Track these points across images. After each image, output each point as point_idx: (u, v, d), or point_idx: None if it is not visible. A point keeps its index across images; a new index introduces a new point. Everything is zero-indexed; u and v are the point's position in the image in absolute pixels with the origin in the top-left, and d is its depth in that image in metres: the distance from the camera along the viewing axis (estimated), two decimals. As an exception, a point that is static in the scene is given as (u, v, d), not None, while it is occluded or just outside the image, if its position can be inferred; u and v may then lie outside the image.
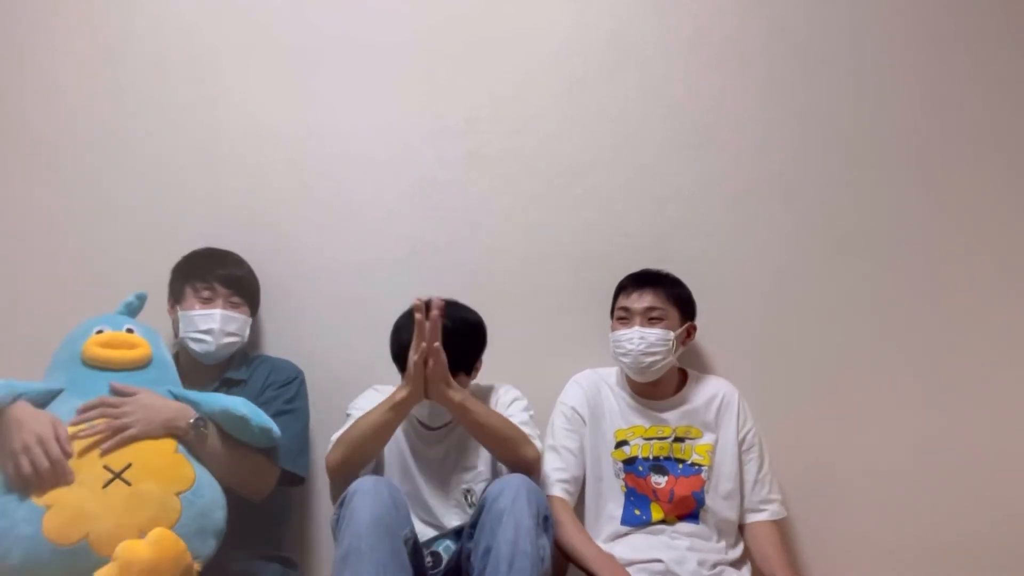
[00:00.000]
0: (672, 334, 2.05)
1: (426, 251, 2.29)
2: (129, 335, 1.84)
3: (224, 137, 2.32)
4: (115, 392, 1.73)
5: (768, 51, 2.34)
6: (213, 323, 2.02)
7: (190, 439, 1.73)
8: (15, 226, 2.30)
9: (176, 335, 2.07)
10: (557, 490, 2.01)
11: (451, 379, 1.83)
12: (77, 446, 1.63)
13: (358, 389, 2.12)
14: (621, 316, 2.10)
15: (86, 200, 2.31)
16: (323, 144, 2.32)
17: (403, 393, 1.83)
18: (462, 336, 1.93)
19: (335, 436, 1.93)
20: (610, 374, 2.17)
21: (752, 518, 2.08)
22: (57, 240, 2.30)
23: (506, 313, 2.20)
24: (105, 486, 1.61)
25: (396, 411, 1.84)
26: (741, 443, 2.09)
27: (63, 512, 1.57)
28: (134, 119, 2.32)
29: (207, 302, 2.04)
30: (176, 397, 1.81)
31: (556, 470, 2.03)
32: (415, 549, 1.80)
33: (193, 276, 2.07)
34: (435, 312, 1.79)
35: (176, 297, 2.09)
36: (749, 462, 2.09)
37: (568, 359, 2.27)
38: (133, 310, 1.95)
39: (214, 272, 2.07)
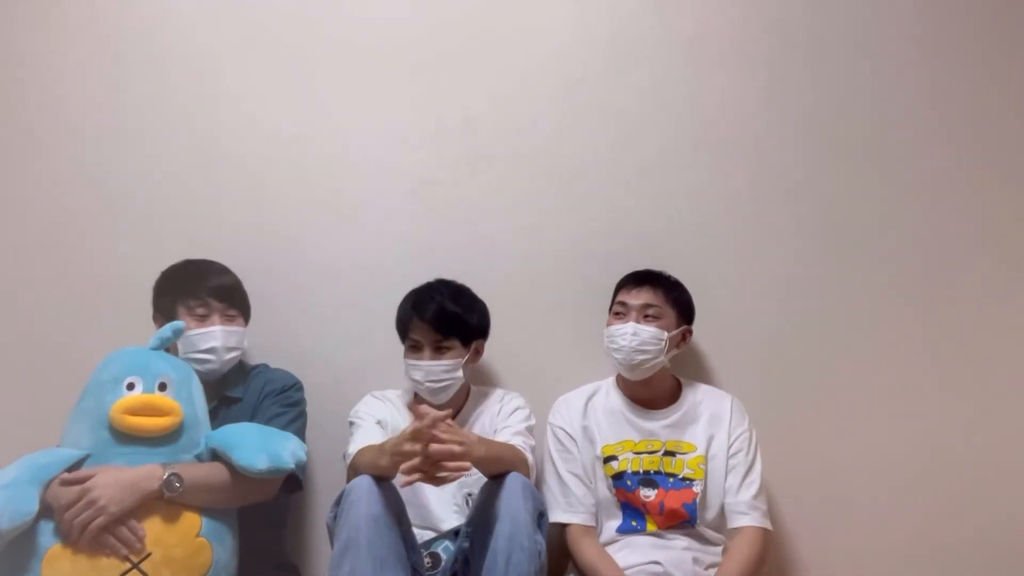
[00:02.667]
0: (666, 334, 2.04)
1: (425, 251, 2.29)
2: (160, 400, 1.75)
3: (224, 137, 2.31)
4: (68, 482, 1.66)
5: (768, 51, 2.33)
6: (214, 341, 1.97)
7: (171, 496, 1.69)
8: (15, 226, 2.30)
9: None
10: (572, 517, 2.00)
11: (464, 443, 1.72)
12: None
13: (358, 389, 2.13)
14: (618, 311, 2.09)
15: (85, 200, 2.30)
16: (322, 144, 2.31)
17: (386, 463, 1.73)
18: (465, 305, 2.03)
19: (349, 451, 1.91)
20: (600, 387, 2.15)
21: (737, 521, 1.99)
22: (56, 239, 2.29)
23: (506, 313, 2.20)
24: None
25: (382, 472, 1.77)
26: (729, 448, 2.04)
27: None
28: (134, 119, 2.31)
29: (203, 319, 1.99)
30: (213, 450, 1.78)
31: (565, 496, 2.02)
32: (412, 547, 1.80)
33: (184, 293, 2.01)
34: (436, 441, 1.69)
35: (165, 314, 2.01)
36: (736, 466, 2.03)
37: (568, 359, 2.27)
38: (167, 343, 1.86)
39: (204, 286, 2.01)
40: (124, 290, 2.14)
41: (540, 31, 2.34)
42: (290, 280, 2.28)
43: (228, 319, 2.02)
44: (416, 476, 1.66)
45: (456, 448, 1.67)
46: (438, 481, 1.70)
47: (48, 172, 2.32)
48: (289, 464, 1.80)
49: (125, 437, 1.73)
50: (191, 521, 1.71)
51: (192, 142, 2.31)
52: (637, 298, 2.07)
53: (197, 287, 2.01)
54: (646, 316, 2.05)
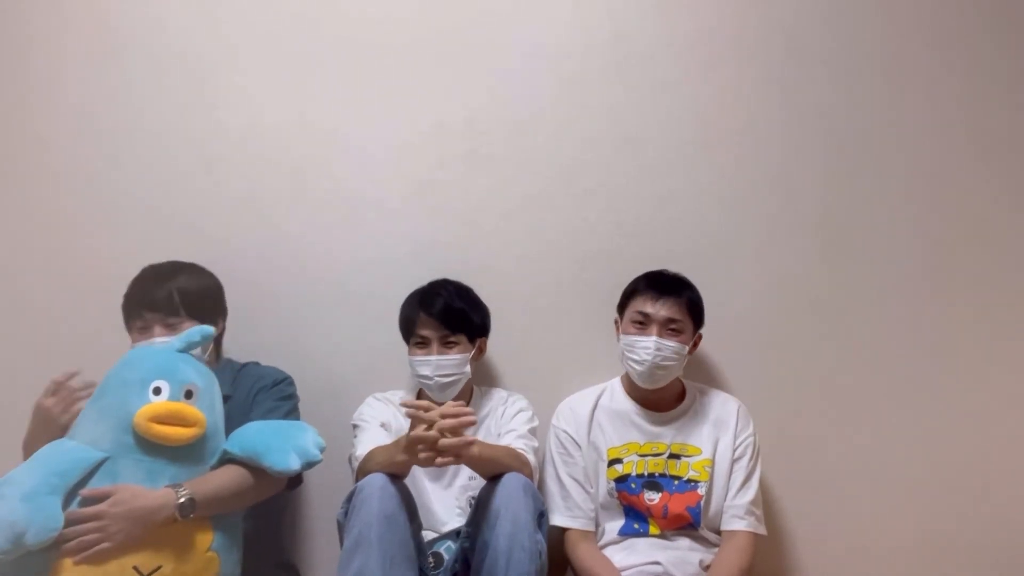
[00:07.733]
0: (686, 348, 2.02)
1: (426, 251, 2.28)
2: (187, 410, 1.71)
3: (224, 137, 2.31)
4: (88, 498, 1.63)
5: (768, 51, 2.34)
6: None
7: (187, 517, 1.67)
8: (15, 226, 2.29)
9: None
10: (570, 522, 2.01)
11: (470, 447, 1.76)
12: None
13: (359, 389, 2.14)
14: (638, 320, 2.03)
15: (86, 200, 2.30)
16: (323, 144, 2.31)
17: (403, 458, 1.77)
18: (470, 302, 2.06)
19: (356, 454, 1.92)
20: (605, 389, 2.14)
21: (733, 524, 2.00)
22: (57, 239, 2.29)
23: (506, 313, 2.21)
24: None
25: (398, 469, 1.80)
26: (734, 452, 2.05)
27: None
28: (134, 119, 2.31)
29: (143, 331, 1.93)
30: (230, 457, 1.77)
31: (565, 500, 2.02)
32: (419, 548, 1.81)
33: (127, 311, 1.97)
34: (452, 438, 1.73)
35: (129, 331, 1.99)
36: (737, 470, 2.03)
37: (569, 359, 2.27)
38: (193, 347, 1.82)
39: (139, 301, 1.95)
40: (124, 290, 2.12)
41: (540, 31, 2.33)
42: (290, 280, 2.28)
43: (168, 328, 1.93)
44: (429, 454, 1.70)
45: (467, 419, 1.74)
46: (439, 460, 1.72)
47: (48, 172, 2.31)
48: (317, 455, 1.78)
49: (148, 444, 1.69)
50: (204, 536, 1.70)
51: (192, 142, 2.30)
52: (660, 311, 2.01)
53: (134, 302, 1.97)
54: (670, 330, 2.01)
